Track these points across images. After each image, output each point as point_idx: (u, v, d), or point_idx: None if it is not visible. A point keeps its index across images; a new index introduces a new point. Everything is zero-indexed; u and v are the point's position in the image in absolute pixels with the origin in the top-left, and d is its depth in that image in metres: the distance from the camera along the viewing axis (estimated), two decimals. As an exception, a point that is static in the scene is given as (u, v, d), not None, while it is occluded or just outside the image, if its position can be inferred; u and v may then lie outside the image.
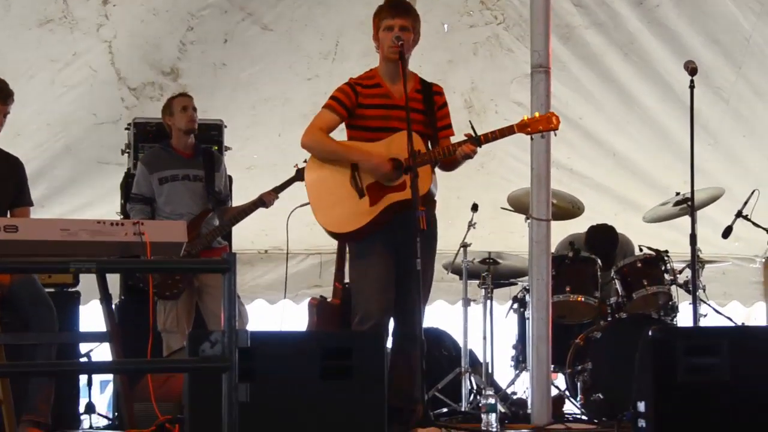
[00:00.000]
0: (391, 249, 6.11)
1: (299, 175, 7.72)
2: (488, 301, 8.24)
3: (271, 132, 9.34)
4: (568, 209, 8.27)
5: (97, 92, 8.86)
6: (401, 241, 6.07)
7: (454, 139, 6.25)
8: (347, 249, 6.62)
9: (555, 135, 6.25)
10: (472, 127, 6.04)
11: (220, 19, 8.76)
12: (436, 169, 6.25)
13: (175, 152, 7.74)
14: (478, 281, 8.32)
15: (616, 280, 7.96)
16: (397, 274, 6.13)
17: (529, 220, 6.84)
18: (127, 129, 8.31)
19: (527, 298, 7.58)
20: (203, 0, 8.67)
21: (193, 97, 7.84)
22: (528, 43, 6.89)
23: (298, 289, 9.93)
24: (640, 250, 8.09)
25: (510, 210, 8.25)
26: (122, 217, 7.92)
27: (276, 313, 9.70)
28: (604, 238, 8.50)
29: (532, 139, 6.14)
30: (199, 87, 8.66)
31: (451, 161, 6.19)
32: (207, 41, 8.86)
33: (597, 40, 9.27)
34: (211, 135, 8.29)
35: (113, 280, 7.64)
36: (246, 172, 9.31)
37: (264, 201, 7.77)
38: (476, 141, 6.02)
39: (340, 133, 6.30)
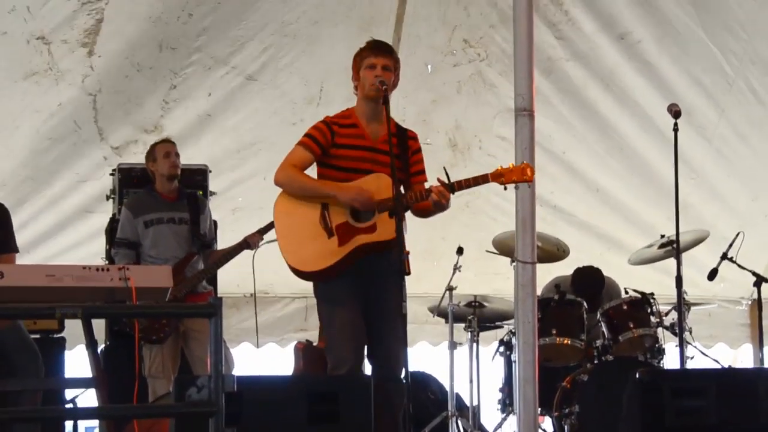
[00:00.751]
0: (359, 291, 6.06)
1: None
2: (474, 345, 8.24)
3: (256, 175, 9.36)
4: (553, 252, 8.30)
5: (80, 151, 8.88)
6: (370, 283, 6.05)
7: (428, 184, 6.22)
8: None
9: (529, 187, 6.25)
10: (446, 174, 6.02)
11: (204, 75, 8.79)
12: (408, 215, 6.22)
13: (160, 196, 7.77)
14: (463, 324, 8.31)
15: (603, 323, 7.98)
16: (369, 317, 6.08)
17: (514, 263, 6.84)
18: (111, 175, 8.35)
19: (513, 341, 7.58)
20: (186, 58, 8.70)
21: (175, 144, 7.88)
22: (511, 78, 6.93)
23: (284, 333, 9.92)
24: (626, 292, 8.12)
25: (495, 253, 8.27)
26: (107, 261, 7.92)
27: (262, 357, 9.68)
28: (589, 280, 8.53)
29: (505, 188, 6.14)
30: (183, 137, 8.70)
31: (424, 207, 6.15)
32: (191, 97, 8.91)
33: (578, 73, 9.34)
34: (196, 180, 8.32)
35: (99, 325, 7.63)
36: (231, 214, 9.32)
37: (249, 243, 7.80)
38: (450, 188, 6.00)
39: (311, 172, 6.29)
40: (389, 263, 5.84)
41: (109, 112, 8.78)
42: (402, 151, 6.21)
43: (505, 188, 6.10)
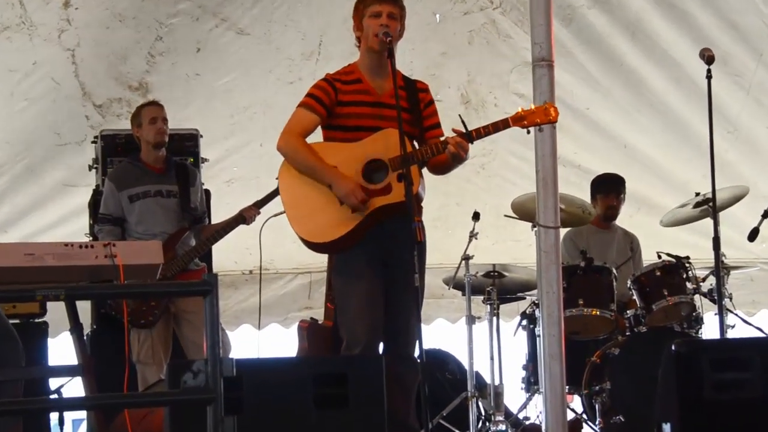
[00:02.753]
0: (377, 261, 6.09)
1: (282, 188, 7.74)
2: (494, 318, 8.23)
3: (251, 142, 9.35)
4: (578, 215, 8.28)
5: (60, 108, 8.86)
6: (389, 252, 6.06)
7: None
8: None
9: (554, 127, 6.24)
10: (463, 122, 6.01)
11: (192, 26, 8.78)
12: (425, 172, 6.22)
13: (146, 167, 7.74)
14: (482, 297, 8.31)
15: (634, 291, 7.99)
16: (385, 290, 6.10)
17: (535, 228, 6.82)
18: (94, 142, 8.32)
19: (537, 313, 7.57)
20: (172, 6, 8.67)
21: (163, 107, 7.83)
22: (528, 27, 6.90)
23: (288, 312, 9.93)
24: (659, 257, 8.11)
25: (514, 218, 8.25)
26: (91, 238, 7.91)
27: (264, 339, 9.69)
28: (608, 180, 8.79)
29: (528, 132, 6.12)
30: (172, 99, 8.68)
31: (441, 162, 6.15)
32: (178, 51, 8.88)
33: (601, 21, 9.29)
34: (186, 146, 8.30)
35: (84, 308, 7.64)
36: (225, 185, 9.31)
37: (245, 217, 7.79)
38: (467, 137, 5.99)
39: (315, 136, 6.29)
40: (410, 228, 5.84)
41: (90, 68, 8.78)
42: (412, 104, 6.20)
43: (528, 132, 6.10)
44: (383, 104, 6.15)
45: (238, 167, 9.44)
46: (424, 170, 6.20)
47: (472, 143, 6.03)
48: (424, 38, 9.09)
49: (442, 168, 6.24)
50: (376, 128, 6.10)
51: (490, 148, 9.69)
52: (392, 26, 6.12)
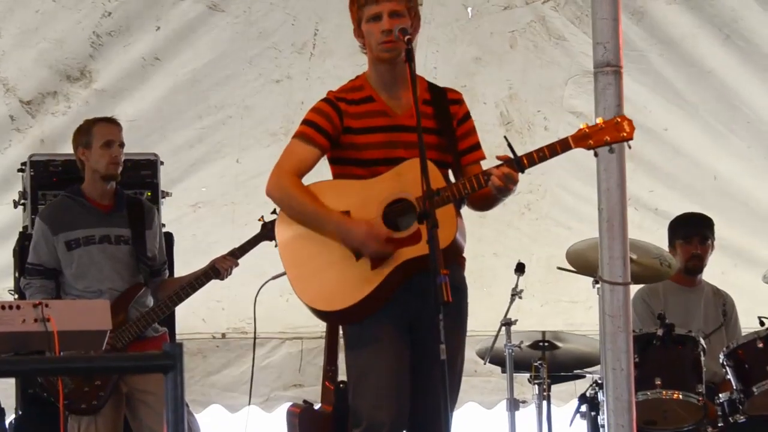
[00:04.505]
0: (403, 330, 6.10)
1: (267, 232, 7.75)
2: (544, 403, 8.24)
3: (226, 154, 9.34)
4: (655, 267, 8.28)
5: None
6: (416, 317, 6.07)
7: (486, 164, 6.20)
8: (341, 333, 6.59)
9: (629, 147, 6.25)
10: (509, 145, 5.99)
11: (150, -1, 8.84)
12: (464, 210, 6.23)
13: (89, 203, 7.76)
14: (528, 374, 8.31)
15: (728, 369, 7.97)
16: (412, 365, 6.12)
17: (598, 285, 6.84)
18: (21, 171, 8.34)
19: (600, 396, 7.58)
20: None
21: (121, 127, 7.81)
22: (587, 26, 6.92)
23: (271, 391, 9.91)
24: (761, 323, 8.12)
25: (570, 271, 8.26)
26: (17, 296, 7.94)
27: (238, 426, 9.69)
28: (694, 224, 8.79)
29: (596, 155, 6.13)
30: (122, 91, 8.71)
31: (483, 196, 6.14)
32: (131, 30, 8.90)
33: (684, 18, 9.32)
34: (141, 176, 8.31)
35: (6, 388, 7.65)
36: (191, 211, 9.33)
37: (218, 270, 7.79)
38: (517, 164, 5.98)
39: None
40: (436, 285, 5.80)
41: (15, 52, 8.79)
42: (443, 122, 6.19)
43: (596, 154, 6.11)
44: (404, 127, 6.13)
45: (208, 187, 9.45)
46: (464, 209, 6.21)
47: (522, 172, 6.01)
48: (451, 38, 9.13)
49: (484, 203, 6.22)
50: (398, 159, 6.09)
51: (538, 183, 9.68)
52: (397, 27, 6.11)
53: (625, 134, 6.05)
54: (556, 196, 9.82)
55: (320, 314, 6.19)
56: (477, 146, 6.29)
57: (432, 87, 6.29)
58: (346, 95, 6.23)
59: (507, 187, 5.97)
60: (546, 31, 9.38)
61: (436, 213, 5.81)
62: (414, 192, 5.97)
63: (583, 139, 6.03)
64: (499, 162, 5.98)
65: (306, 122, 6.18)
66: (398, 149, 6.13)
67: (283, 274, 6.22)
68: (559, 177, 9.63)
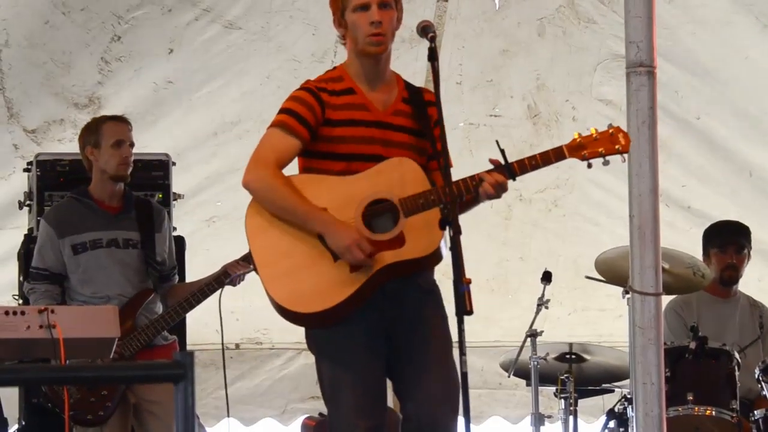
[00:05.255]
0: (377, 336, 6.04)
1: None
2: (570, 418, 8.22)
3: (241, 168, 9.33)
4: (687, 277, 8.26)
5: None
6: (391, 325, 6.03)
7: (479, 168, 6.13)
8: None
9: (624, 160, 6.23)
10: (501, 150, 5.95)
11: (162, 21, 8.82)
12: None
13: (97, 205, 7.75)
14: (554, 388, 8.30)
15: (764, 384, 7.95)
16: (392, 367, 6.07)
17: (628, 295, 6.82)
18: (27, 170, 8.34)
19: (629, 412, 7.55)
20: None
21: (131, 125, 7.80)
22: (618, 4, 6.87)
23: (287, 403, 9.92)
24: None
25: (599, 280, 8.24)
26: (21, 302, 7.93)
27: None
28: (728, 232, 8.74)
29: (589, 166, 6.10)
30: (134, 114, 8.72)
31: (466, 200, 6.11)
32: (142, 54, 8.91)
33: (718, 2, 9.30)
34: (152, 177, 8.31)
35: (10, 397, 7.65)
36: (205, 225, 9.35)
37: (230, 275, 7.78)
38: (507, 171, 5.95)
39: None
40: (419, 288, 5.89)
41: (21, 77, 8.79)
42: (420, 122, 6.15)
43: (589, 166, 6.09)
44: (384, 124, 6.11)
45: (223, 202, 9.46)
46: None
47: (513, 180, 5.99)
48: (478, 32, 9.12)
49: (462, 207, 6.10)
50: (378, 157, 6.06)
51: (565, 177, 9.64)
52: (386, 19, 6.08)
53: (619, 147, 6.06)
54: (585, 191, 9.78)
55: (291, 315, 6.04)
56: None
57: (409, 86, 6.27)
58: (327, 85, 6.17)
59: (497, 195, 5.98)
60: (575, 15, 9.36)
61: (417, 216, 5.86)
62: (397, 193, 5.96)
63: (577, 149, 6.06)
64: (492, 166, 5.97)
65: (286, 111, 6.12)
66: (375, 145, 6.10)
67: (251, 269, 6.17)
68: (587, 170, 9.61)
